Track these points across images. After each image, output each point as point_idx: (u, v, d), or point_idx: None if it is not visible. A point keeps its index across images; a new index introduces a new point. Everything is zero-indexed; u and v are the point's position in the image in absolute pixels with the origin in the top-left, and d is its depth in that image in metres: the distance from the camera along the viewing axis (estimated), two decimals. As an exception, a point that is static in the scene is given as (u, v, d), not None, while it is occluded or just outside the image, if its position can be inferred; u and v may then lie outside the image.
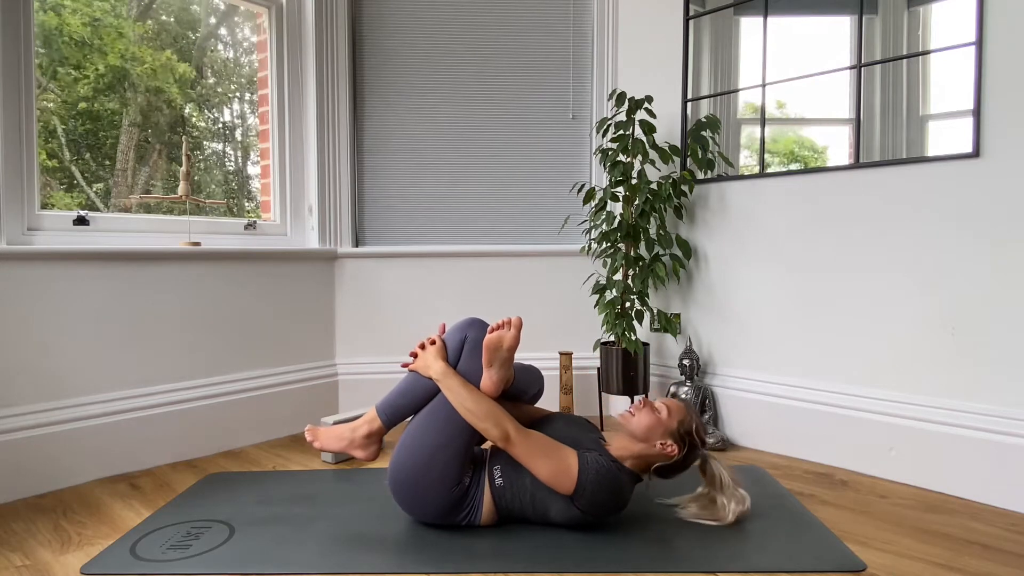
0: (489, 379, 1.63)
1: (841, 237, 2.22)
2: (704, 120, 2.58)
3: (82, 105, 2.31)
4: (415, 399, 1.67)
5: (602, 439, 1.77)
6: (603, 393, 2.79)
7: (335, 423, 2.29)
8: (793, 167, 2.35)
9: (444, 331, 1.76)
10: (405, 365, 1.73)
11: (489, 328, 1.64)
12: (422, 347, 1.73)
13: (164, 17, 2.56)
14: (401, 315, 2.88)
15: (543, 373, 2.86)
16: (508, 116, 2.94)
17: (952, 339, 1.99)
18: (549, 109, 2.95)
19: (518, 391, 1.76)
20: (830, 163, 2.25)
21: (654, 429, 1.63)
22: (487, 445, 1.83)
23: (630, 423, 1.66)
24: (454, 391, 1.61)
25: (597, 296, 2.78)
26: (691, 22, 2.62)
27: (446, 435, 1.60)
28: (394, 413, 1.69)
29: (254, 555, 1.54)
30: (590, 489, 1.54)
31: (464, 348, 1.69)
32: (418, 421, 1.64)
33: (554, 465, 1.55)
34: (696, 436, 1.65)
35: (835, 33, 2.22)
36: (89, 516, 1.81)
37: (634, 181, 2.56)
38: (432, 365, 1.66)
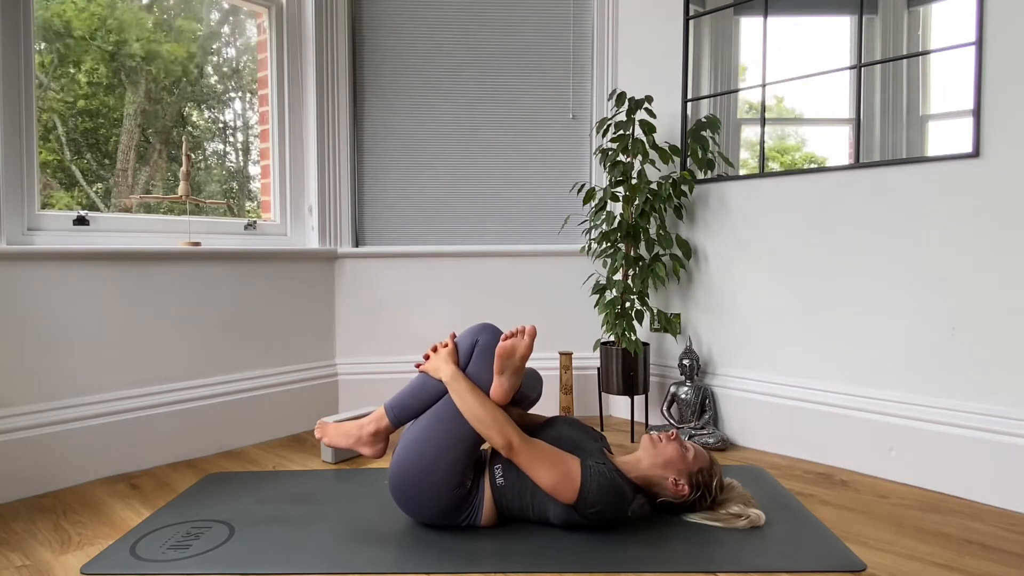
0: (500, 386, 1.63)
1: (841, 237, 2.22)
2: (704, 120, 2.58)
3: (81, 103, 2.30)
4: (424, 400, 1.68)
5: (607, 448, 1.77)
6: (603, 393, 2.79)
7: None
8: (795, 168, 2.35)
9: (456, 337, 1.77)
10: (418, 366, 1.75)
11: (503, 336, 1.64)
12: (434, 349, 1.74)
13: (166, 17, 2.55)
14: (401, 315, 2.88)
15: (543, 374, 2.87)
16: (508, 116, 2.94)
17: (952, 339, 1.99)
18: (549, 109, 2.95)
19: (520, 395, 1.76)
20: (830, 163, 2.25)
21: (675, 464, 1.65)
22: (487, 446, 1.83)
23: (656, 446, 1.68)
24: (462, 396, 1.61)
25: (597, 296, 2.78)
26: (691, 22, 2.62)
27: (451, 439, 1.60)
28: (402, 413, 1.69)
29: (254, 555, 1.54)
30: (591, 499, 1.54)
31: (474, 352, 1.69)
32: (423, 423, 1.64)
33: (557, 474, 1.55)
34: (708, 490, 1.67)
35: (835, 33, 2.22)
36: (89, 516, 1.81)
37: (634, 181, 2.56)
38: (443, 368, 1.67)
